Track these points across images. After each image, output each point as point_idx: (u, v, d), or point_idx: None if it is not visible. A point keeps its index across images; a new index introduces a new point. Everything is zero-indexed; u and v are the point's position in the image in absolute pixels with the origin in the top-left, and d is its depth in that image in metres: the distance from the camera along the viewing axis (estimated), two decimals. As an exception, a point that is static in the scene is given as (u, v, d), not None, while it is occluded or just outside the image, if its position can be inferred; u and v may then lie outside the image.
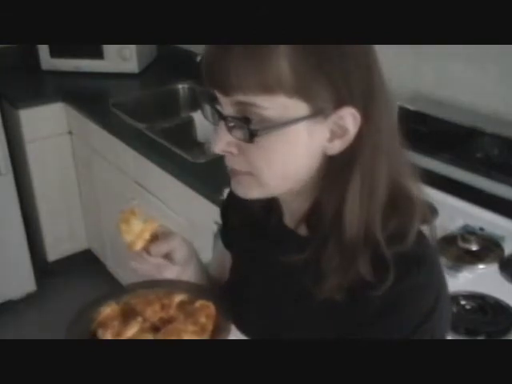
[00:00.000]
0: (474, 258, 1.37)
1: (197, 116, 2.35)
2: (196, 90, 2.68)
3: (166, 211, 2.17)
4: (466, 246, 1.39)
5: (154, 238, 0.90)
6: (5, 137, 2.60)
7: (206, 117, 0.79)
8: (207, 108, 0.77)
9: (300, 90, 0.68)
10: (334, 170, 0.74)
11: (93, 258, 2.97)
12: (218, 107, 0.73)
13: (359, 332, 0.74)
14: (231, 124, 0.71)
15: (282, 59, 0.66)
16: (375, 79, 0.73)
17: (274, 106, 0.68)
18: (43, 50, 2.87)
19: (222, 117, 0.72)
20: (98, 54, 2.81)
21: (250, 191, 0.77)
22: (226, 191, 1.03)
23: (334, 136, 0.72)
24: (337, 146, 0.73)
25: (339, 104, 0.70)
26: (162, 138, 2.15)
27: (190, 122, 2.36)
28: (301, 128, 0.70)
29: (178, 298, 0.86)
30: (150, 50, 3.02)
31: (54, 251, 2.94)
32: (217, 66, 0.69)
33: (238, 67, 0.67)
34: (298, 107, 0.69)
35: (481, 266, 1.35)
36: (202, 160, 2.00)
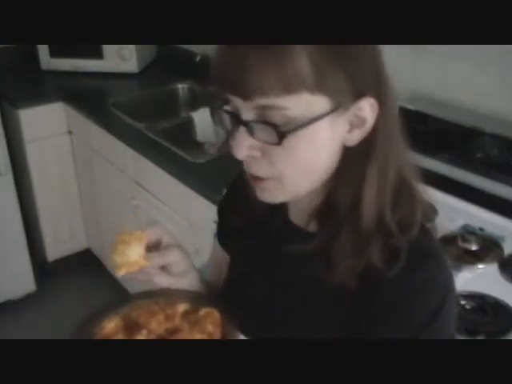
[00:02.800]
0: (473, 258, 1.37)
1: (196, 116, 2.35)
2: (197, 91, 2.68)
3: (166, 211, 2.17)
4: (466, 245, 1.39)
5: (156, 245, 0.86)
6: (4, 137, 2.60)
7: (217, 122, 0.77)
8: (219, 113, 0.75)
9: (321, 85, 0.67)
10: (351, 160, 0.74)
11: (93, 258, 2.97)
12: (233, 111, 0.72)
13: (367, 326, 0.75)
14: (253, 128, 0.70)
15: (301, 55, 0.66)
16: (383, 67, 0.73)
17: (297, 104, 0.68)
18: (43, 50, 2.87)
19: (241, 122, 0.70)
20: (98, 54, 2.81)
21: (277, 196, 0.76)
22: (225, 191, 1.03)
23: (353, 127, 0.73)
24: (356, 137, 0.73)
25: (357, 95, 0.70)
26: (162, 138, 2.15)
27: (189, 122, 2.36)
28: (324, 124, 0.70)
29: (182, 307, 0.83)
30: (150, 50, 3.02)
31: (54, 251, 2.94)
32: (234, 71, 0.67)
33: (258, 70, 0.66)
34: (320, 103, 0.69)
35: (481, 266, 1.35)
36: (201, 160, 2.00)
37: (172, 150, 2.07)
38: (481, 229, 1.46)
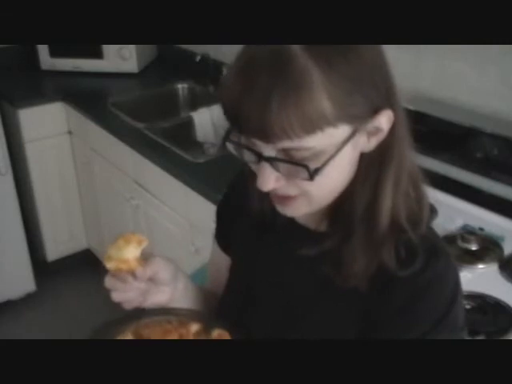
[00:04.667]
0: (473, 258, 1.37)
1: (196, 116, 2.35)
2: (197, 91, 2.68)
3: (165, 211, 2.17)
4: (466, 245, 1.39)
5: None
6: (4, 137, 2.60)
7: (231, 151, 0.74)
8: (236, 146, 0.73)
9: (341, 115, 0.67)
10: (368, 164, 0.75)
11: (93, 258, 2.97)
12: (253, 147, 0.70)
13: (383, 323, 0.76)
14: (279, 164, 0.69)
15: (320, 93, 0.65)
16: (389, 69, 0.73)
17: (321, 140, 0.67)
18: (43, 50, 2.87)
19: (264, 158, 0.69)
20: (98, 54, 2.80)
21: (301, 210, 0.76)
22: (225, 193, 1.02)
23: (370, 136, 0.73)
24: (373, 144, 0.74)
25: (374, 111, 0.70)
26: (162, 138, 2.15)
27: (189, 122, 2.36)
28: (346, 147, 0.70)
29: (194, 327, 0.83)
30: (150, 49, 3.02)
31: (54, 251, 2.94)
32: (254, 116, 0.65)
33: (280, 116, 0.64)
34: (342, 130, 0.68)
35: (480, 266, 1.35)
36: (201, 160, 2.00)
37: (172, 149, 2.07)
38: (481, 229, 1.46)
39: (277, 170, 0.70)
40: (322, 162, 0.69)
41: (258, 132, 0.67)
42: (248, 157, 0.72)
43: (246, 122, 0.67)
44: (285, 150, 0.68)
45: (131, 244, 0.83)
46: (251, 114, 0.66)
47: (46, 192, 2.81)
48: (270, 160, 0.69)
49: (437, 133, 1.67)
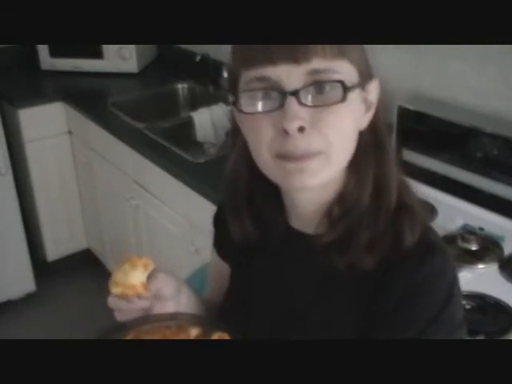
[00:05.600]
0: (473, 258, 1.37)
1: (196, 116, 2.35)
2: (197, 91, 2.68)
3: (165, 211, 2.17)
4: (466, 245, 1.39)
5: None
6: (4, 137, 2.60)
7: (242, 104, 0.74)
8: (248, 95, 0.73)
9: (354, 57, 0.73)
10: (366, 146, 0.78)
11: (93, 258, 2.97)
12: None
13: (381, 322, 0.77)
14: (305, 96, 0.70)
15: None
16: None
17: (345, 70, 0.72)
18: (43, 50, 2.87)
19: (290, 93, 0.70)
20: (98, 54, 2.81)
21: (317, 175, 0.74)
22: (219, 204, 1.01)
23: (365, 111, 0.78)
24: (366, 120, 0.78)
25: (370, 76, 0.77)
26: (162, 138, 2.15)
27: (189, 122, 2.36)
28: (356, 95, 0.74)
29: (194, 331, 0.82)
30: (150, 49, 3.02)
31: (54, 251, 2.94)
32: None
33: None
34: (354, 74, 0.74)
35: (481, 266, 1.35)
36: (201, 160, 2.00)
37: (172, 149, 2.07)
38: (481, 229, 1.46)
39: (303, 102, 0.70)
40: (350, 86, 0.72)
41: (293, 49, 0.69)
42: (268, 99, 0.72)
43: (278, 48, 0.69)
44: (313, 75, 0.70)
45: (137, 268, 0.82)
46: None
47: (46, 192, 2.81)
48: (298, 92, 0.70)
49: (437, 133, 1.67)
